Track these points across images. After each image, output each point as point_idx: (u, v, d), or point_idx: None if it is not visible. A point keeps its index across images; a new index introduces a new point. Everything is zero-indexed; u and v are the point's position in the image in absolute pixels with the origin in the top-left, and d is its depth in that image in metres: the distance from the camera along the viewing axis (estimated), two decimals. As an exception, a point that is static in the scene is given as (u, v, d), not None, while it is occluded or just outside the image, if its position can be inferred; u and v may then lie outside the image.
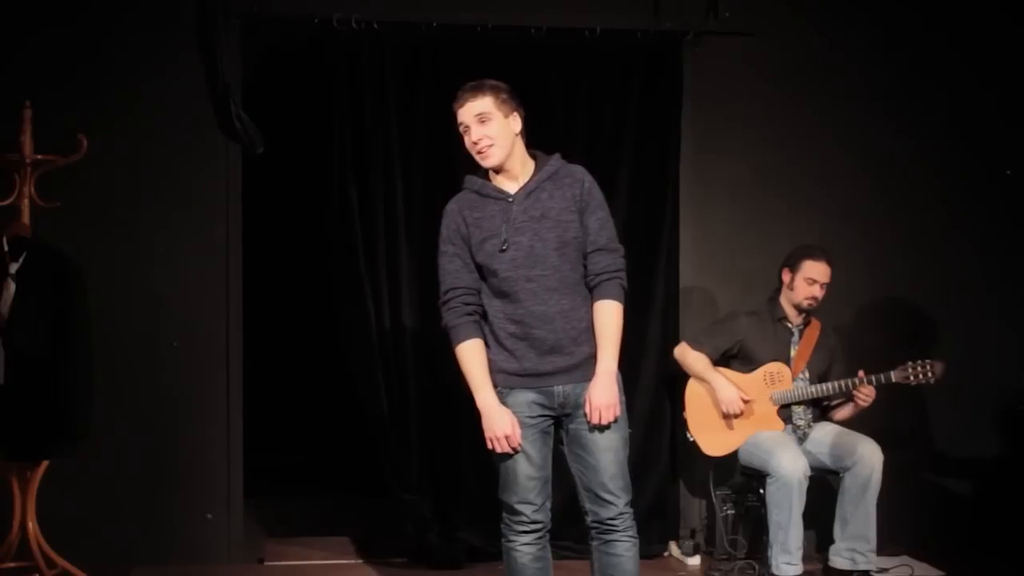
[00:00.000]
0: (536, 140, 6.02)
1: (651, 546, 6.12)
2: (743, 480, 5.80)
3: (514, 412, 4.14)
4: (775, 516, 5.40)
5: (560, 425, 4.23)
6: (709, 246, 6.22)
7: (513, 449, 4.12)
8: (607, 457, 4.16)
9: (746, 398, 5.59)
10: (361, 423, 6.15)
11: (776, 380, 5.62)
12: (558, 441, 4.26)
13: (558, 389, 4.15)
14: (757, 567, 5.66)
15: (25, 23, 5.73)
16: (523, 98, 5.98)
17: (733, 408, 5.58)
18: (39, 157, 5.34)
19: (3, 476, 5.33)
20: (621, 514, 4.24)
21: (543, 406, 4.17)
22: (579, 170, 4.29)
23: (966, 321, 6.34)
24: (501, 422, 4.10)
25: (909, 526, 6.13)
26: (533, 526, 4.19)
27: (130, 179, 5.83)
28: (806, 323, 5.71)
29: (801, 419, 5.64)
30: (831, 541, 5.55)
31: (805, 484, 5.37)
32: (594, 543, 4.31)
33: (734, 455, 5.68)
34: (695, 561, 6.04)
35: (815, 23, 6.28)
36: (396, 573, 5.85)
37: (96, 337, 5.44)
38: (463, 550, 5.90)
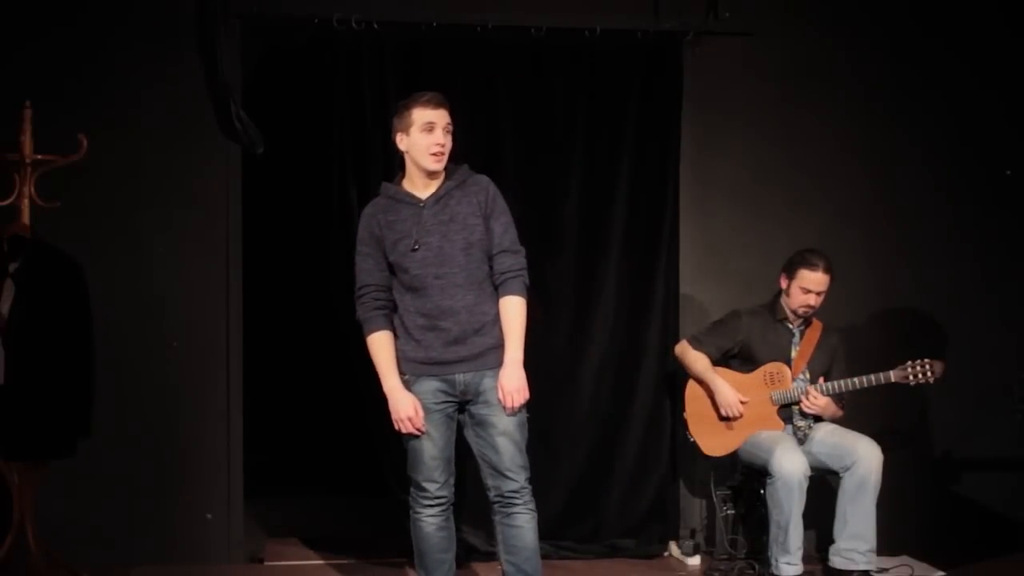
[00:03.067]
0: (536, 140, 6.09)
1: (651, 546, 6.14)
2: (743, 480, 5.80)
3: (420, 398, 4.57)
4: (775, 516, 5.41)
5: (462, 410, 4.65)
6: (709, 246, 6.22)
7: (418, 430, 4.56)
8: (503, 439, 4.58)
9: (744, 400, 5.59)
10: (361, 423, 6.15)
11: (776, 380, 5.62)
12: (461, 424, 4.68)
13: (460, 377, 4.58)
14: (757, 567, 5.66)
15: (26, 24, 5.73)
16: (523, 98, 6.06)
17: (732, 411, 5.58)
18: (39, 157, 5.35)
19: (3, 476, 5.33)
20: (521, 488, 4.61)
21: (447, 393, 4.59)
22: (484, 179, 4.70)
23: (966, 321, 6.34)
24: (405, 406, 4.55)
25: (909, 526, 6.13)
26: (436, 501, 4.63)
27: (130, 179, 5.83)
28: (807, 324, 5.71)
29: (802, 420, 5.64)
30: (831, 541, 5.55)
31: (805, 484, 5.37)
32: (497, 517, 4.66)
33: (734, 455, 5.69)
34: (695, 561, 6.05)
35: (815, 23, 6.28)
36: (396, 573, 5.85)
37: (96, 337, 5.45)
38: (463, 550, 5.90)
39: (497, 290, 4.64)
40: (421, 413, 4.55)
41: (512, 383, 4.56)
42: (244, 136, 5.80)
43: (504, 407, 4.56)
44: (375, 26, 5.84)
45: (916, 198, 6.35)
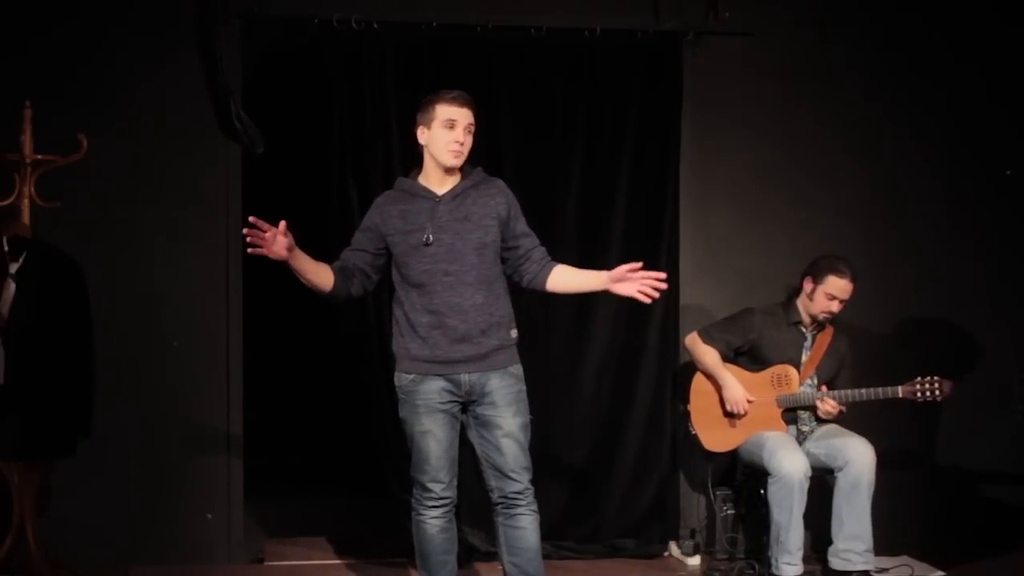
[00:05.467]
0: (536, 140, 6.09)
1: (651, 546, 6.14)
2: (744, 479, 5.80)
3: (426, 398, 4.55)
4: (776, 516, 5.41)
5: (465, 410, 4.63)
6: (709, 246, 6.22)
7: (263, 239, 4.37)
8: (508, 441, 4.56)
9: (752, 399, 5.59)
10: (361, 423, 6.14)
11: (783, 383, 5.61)
12: (464, 425, 4.65)
13: (465, 378, 4.55)
14: (757, 567, 5.67)
15: (25, 23, 5.73)
16: (523, 98, 6.07)
17: (738, 408, 5.58)
18: (39, 157, 5.34)
19: (3, 476, 5.33)
20: (525, 490, 4.60)
21: (451, 392, 4.57)
22: (501, 183, 4.71)
23: (965, 322, 6.34)
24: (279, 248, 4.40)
25: (909, 526, 6.13)
26: (441, 502, 4.61)
27: (130, 179, 5.83)
28: (820, 328, 5.70)
29: (806, 425, 5.64)
30: (829, 541, 5.55)
31: (806, 484, 5.37)
32: (499, 519, 4.65)
33: (734, 453, 5.69)
34: (695, 561, 6.04)
35: (815, 23, 6.28)
36: (396, 573, 5.85)
37: (96, 337, 5.45)
38: (463, 550, 5.90)
39: (541, 273, 4.64)
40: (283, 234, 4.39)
41: (628, 267, 4.51)
42: (244, 136, 5.80)
43: (643, 289, 4.48)
44: (375, 26, 5.84)
45: (916, 198, 6.35)
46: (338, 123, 5.93)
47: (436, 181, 4.61)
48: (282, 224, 4.41)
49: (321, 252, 6.11)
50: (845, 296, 5.57)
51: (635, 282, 4.53)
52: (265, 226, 4.38)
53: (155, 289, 5.85)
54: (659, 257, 6.12)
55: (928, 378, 5.46)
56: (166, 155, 5.86)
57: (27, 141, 5.32)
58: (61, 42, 5.75)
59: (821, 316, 5.62)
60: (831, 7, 6.29)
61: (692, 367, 5.78)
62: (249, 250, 4.45)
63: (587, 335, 6.08)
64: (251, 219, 4.39)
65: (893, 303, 6.34)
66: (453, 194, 4.58)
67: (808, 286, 5.64)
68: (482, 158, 4.94)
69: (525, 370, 4.69)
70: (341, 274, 4.65)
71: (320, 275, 4.61)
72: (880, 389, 5.49)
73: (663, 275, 4.56)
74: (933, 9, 6.33)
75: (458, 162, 4.57)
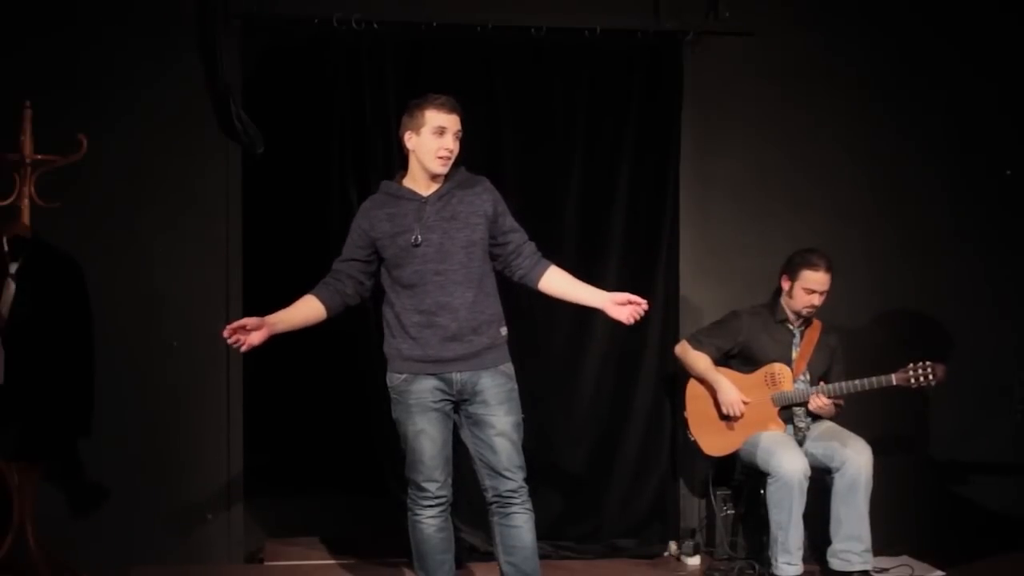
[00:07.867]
0: (535, 140, 6.09)
1: (651, 546, 6.14)
2: (743, 480, 5.80)
3: (418, 397, 4.58)
4: (775, 516, 5.41)
5: (457, 410, 4.64)
6: (709, 246, 6.22)
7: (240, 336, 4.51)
8: (501, 439, 4.57)
9: (747, 400, 5.59)
10: (361, 423, 6.14)
11: (777, 381, 5.62)
12: (457, 425, 4.67)
13: (456, 376, 4.57)
14: (757, 567, 5.67)
15: (25, 23, 5.73)
16: (523, 98, 6.07)
17: (733, 410, 5.58)
18: (39, 157, 5.34)
19: (3, 476, 5.33)
20: (519, 488, 4.60)
21: (444, 391, 4.59)
22: (485, 181, 4.71)
23: (966, 321, 6.34)
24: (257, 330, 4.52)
25: (909, 526, 6.13)
26: (436, 501, 4.62)
27: (130, 179, 5.83)
28: (807, 324, 5.71)
29: (802, 421, 5.64)
30: (830, 541, 5.55)
31: (805, 484, 5.37)
32: (494, 519, 4.65)
33: (734, 455, 5.69)
34: (695, 561, 6.04)
35: (815, 23, 6.28)
36: (396, 573, 5.85)
37: (96, 337, 5.45)
38: (463, 550, 5.90)
39: (535, 270, 4.68)
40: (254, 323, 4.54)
41: (623, 296, 4.61)
42: (244, 136, 5.80)
43: (633, 313, 4.58)
44: (375, 26, 5.84)
45: (916, 198, 6.35)
46: (338, 123, 5.93)
47: (422, 184, 4.62)
48: (231, 329, 4.53)
49: (321, 252, 6.14)
50: (822, 288, 5.57)
51: (627, 308, 4.63)
52: (234, 327, 4.53)
53: (155, 289, 5.85)
54: (659, 257, 6.13)
55: (921, 363, 5.46)
56: (166, 155, 5.86)
57: (27, 141, 5.32)
58: (61, 42, 5.75)
59: (804, 311, 5.62)
60: (831, 7, 6.30)
61: (688, 372, 5.78)
62: (242, 349, 4.57)
63: (587, 335, 6.08)
64: (225, 332, 4.53)
65: (893, 303, 6.34)
66: (439, 195, 4.60)
67: (786, 284, 5.64)
68: (482, 158, 4.96)
69: (526, 370, 4.70)
70: (329, 292, 4.69)
71: (308, 317, 4.69)
72: (874, 379, 5.49)
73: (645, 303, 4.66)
74: (933, 9, 6.33)
75: (445, 169, 4.59)
